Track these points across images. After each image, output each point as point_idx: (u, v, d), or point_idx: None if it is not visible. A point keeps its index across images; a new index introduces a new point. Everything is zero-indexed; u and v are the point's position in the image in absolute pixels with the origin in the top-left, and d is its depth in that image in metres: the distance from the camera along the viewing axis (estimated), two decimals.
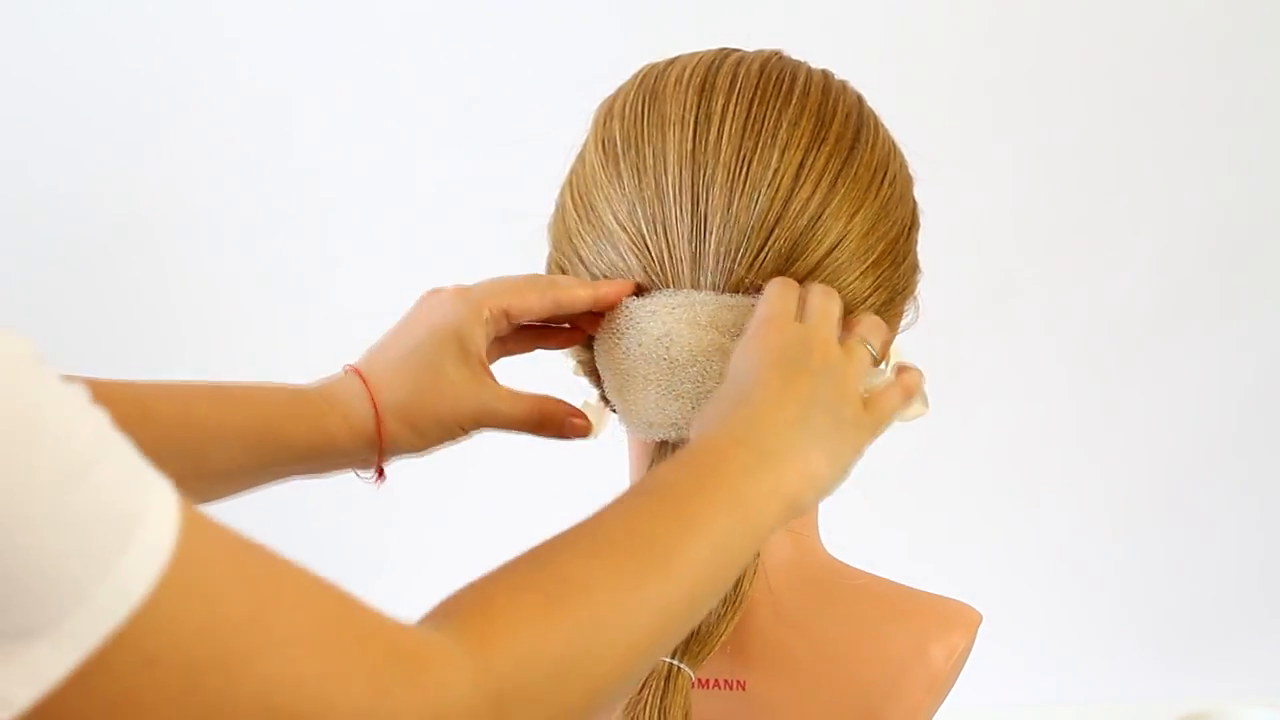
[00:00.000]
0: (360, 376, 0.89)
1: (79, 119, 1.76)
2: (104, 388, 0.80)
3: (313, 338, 1.72)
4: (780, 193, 0.86)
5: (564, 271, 0.92)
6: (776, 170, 0.86)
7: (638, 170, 0.88)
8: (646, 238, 0.87)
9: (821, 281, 0.86)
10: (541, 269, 0.95)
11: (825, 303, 0.84)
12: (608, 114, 0.92)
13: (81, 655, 0.55)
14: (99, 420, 0.57)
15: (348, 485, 0.95)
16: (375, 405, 0.88)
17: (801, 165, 0.87)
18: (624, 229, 0.88)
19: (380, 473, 0.90)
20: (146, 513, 0.56)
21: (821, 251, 0.86)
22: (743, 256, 0.86)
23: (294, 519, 1.52)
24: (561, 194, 0.94)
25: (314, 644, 0.60)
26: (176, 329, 1.82)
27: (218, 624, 0.58)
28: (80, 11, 1.73)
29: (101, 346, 1.73)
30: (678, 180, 0.87)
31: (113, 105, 1.76)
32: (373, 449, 0.89)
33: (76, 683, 0.55)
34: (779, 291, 0.84)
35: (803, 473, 0.77)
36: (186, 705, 0.57)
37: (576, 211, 0.91)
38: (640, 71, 0.93)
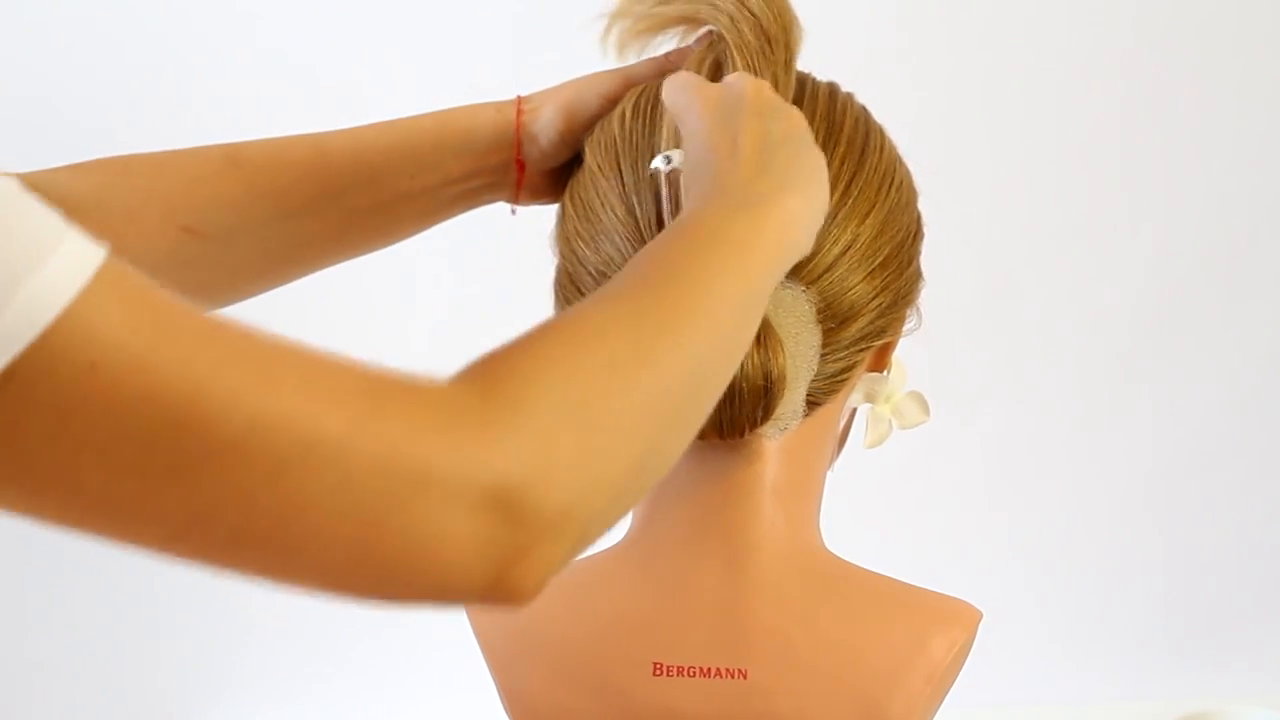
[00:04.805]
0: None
1: (80, 115, 1.77)
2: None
3: (316, 324, 1.71)
4: None
5: (571, 275, 0.91)
6: None
7: (636, 166, 0.87)
8: (645, 229, 0.86)
9: (832, 283, 0.86)
10: (546, 270, 0.94)
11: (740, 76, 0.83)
12: (606, 120, 0.92)
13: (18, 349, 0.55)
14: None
15: None
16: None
17: None
18: (623, 222, 0.87)
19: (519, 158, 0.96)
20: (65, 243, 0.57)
21: (836, 251, 0.86)
22: None
23: None
24: (561, 202, 0.94)
25: (295, 373, 0.60)
26: None
27: (164, 344, 0.57)
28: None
29: None
30: None
31: (127, 100, 1.77)
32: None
33: (18, 385, 0.55)
34: (684, 73, 0.84)
35: (782, 218, 0.74)
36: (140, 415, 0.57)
37: (575, 212, 0.91)
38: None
